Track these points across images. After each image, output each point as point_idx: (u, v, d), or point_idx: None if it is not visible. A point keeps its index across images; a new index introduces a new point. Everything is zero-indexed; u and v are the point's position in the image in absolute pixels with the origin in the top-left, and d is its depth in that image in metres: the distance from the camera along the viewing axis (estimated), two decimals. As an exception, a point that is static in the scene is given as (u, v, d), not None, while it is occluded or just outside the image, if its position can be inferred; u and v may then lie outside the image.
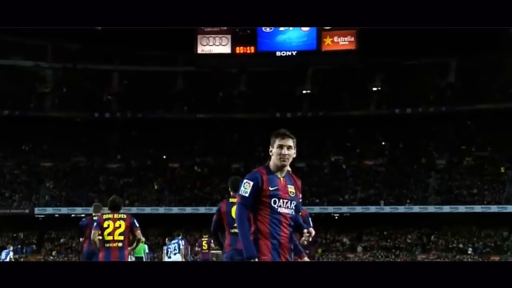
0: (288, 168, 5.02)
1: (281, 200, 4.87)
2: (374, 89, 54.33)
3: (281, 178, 4.90)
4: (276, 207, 4.84)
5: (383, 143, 52.77)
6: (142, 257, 18.61)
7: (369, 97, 53.84)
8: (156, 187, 49.52)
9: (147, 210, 46.66)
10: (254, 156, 50.09)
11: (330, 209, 46.50)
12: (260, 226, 4.82)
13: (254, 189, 4.81)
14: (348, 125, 52.39)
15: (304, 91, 55.11)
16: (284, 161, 4.87)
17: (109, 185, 49.61)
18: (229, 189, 8.55)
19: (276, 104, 52.43)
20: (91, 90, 54.09)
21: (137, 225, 9.33)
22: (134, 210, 45.58)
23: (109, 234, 9.17)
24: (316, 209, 43.83)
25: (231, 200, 8.27)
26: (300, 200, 5.05)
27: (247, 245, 4.71)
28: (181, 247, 17.17)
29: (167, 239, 20.27)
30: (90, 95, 53.67)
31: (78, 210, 45.54)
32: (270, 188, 4.85)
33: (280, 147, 4.88)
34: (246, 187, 4.81)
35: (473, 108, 49.76)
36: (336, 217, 46.69)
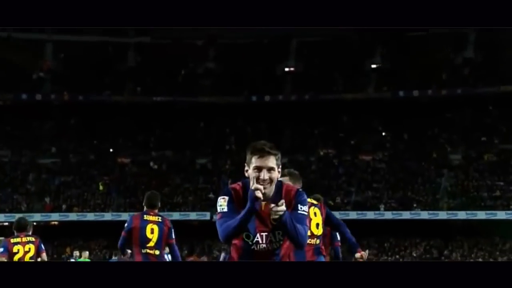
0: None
1: (257, 236, 4.62)
2: (373, 66, 55.26)
3: (263, 203, 4.55)
4: (250, 243, 4.62)
5: (383, 133, 53.74)
6: None
7: (366, 77, 54.73)
8: (101, 188, 49.95)
9: (90, 216, 47.21)
10: (224, 149, 50.90)
11: (318, 215, 47.22)
12: (232, 253, 4.74)
13: (231, 203, 4.58)
14: (340, 112, 53.23)
15: (286, 69, 55.84)
16: (264, 187, 4.49)
17: (42, 185, 49.86)
18: (143, 204, 9.19)
19: (251, 85, 53.08)
20: (18, 65, 54.15)
21: (43, 248, 10.23)
22: (73, 216, 46.07)
23: (19, 260, 9.95)
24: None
25: (146, 217, 8.93)
26: (299, 213, 4.55)
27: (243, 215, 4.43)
28: None
29: (113, 253, 20.54)
30: (16, 72, 53.72)
31: (0, 217, 45.72)
32: None
33: (258, 169, 4.51)
34: (221, 203, 4.61)
35: (496, 90, 50.94)
36: (326, 225, 47.47)
